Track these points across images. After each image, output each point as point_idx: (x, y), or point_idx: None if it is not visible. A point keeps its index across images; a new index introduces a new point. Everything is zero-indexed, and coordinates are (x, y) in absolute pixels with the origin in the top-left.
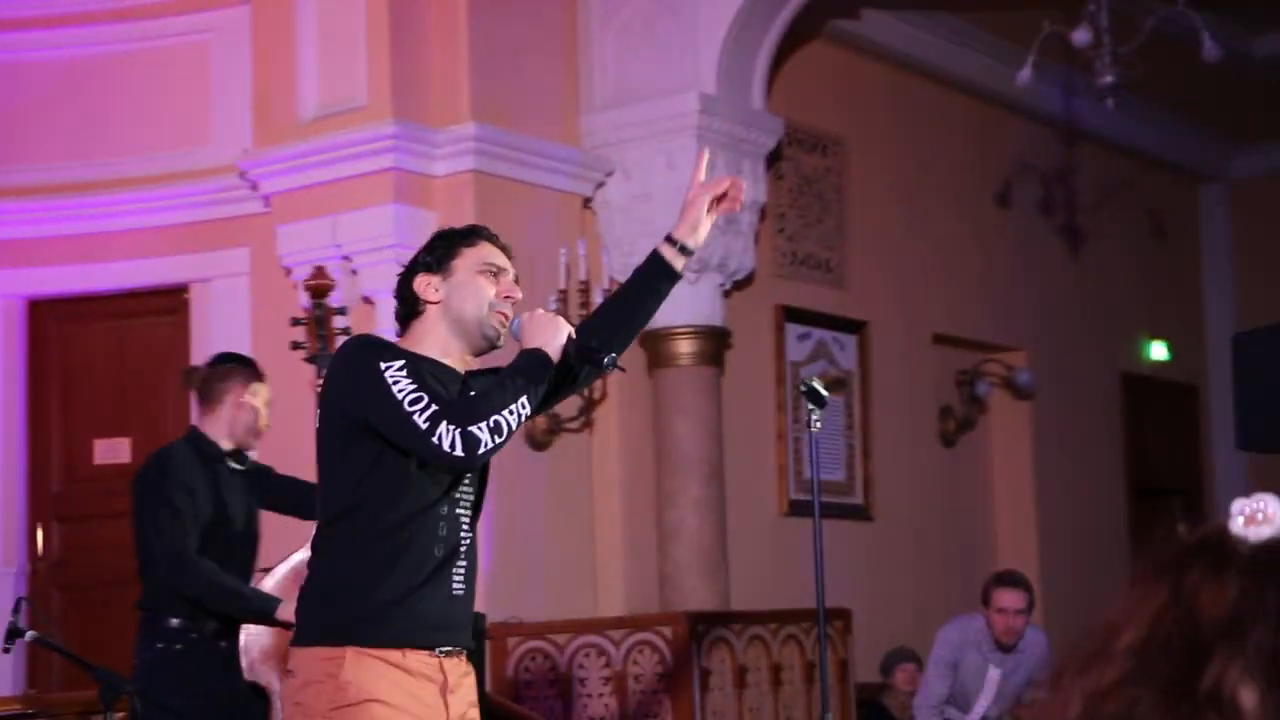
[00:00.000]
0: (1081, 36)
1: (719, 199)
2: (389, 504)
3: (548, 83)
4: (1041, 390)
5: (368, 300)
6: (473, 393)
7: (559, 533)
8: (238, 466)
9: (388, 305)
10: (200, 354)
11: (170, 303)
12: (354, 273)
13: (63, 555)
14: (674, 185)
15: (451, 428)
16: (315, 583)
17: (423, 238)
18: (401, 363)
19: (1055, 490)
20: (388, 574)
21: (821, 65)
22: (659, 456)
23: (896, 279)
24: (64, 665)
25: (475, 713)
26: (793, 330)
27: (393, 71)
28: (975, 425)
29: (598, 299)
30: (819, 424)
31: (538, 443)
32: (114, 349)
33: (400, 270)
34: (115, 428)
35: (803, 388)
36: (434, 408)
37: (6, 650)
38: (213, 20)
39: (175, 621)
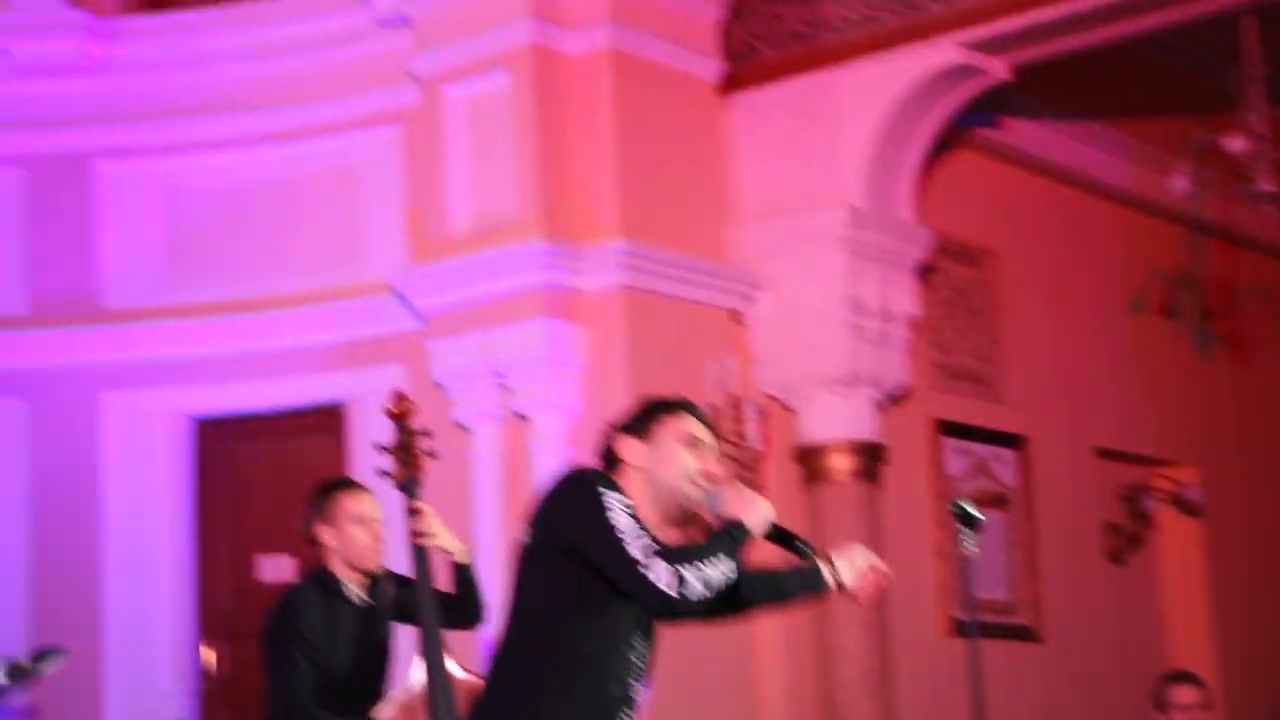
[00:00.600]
0: (1236, 144)
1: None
2: (583, 629)
3: (695, 196)
4: (1213, 505)
5: (521, 416)
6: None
7: (715, 653)
8: (354, 601)
9: (540, 420)
10: (358, 470)
11: (328, 420)
12: (506, 388)
13: (232, 673)
14: (823, 298)
15: (666, 567)
16: (496, 693)
17: (573, 353)
18: (626, 499)
19: (1233, 610)
20: (569, 704)
21: (970, 175)
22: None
23: (1055, 391)
24: None
25: None
26: (950, 444)
27: (542, 188)
28: (1145, 542)
29: (749, 414)
30: (973, 547)
31: None
32: (276, 466)
33: (561, 387)
34: (278, 545)
35: (954, 508)
36: (649, 543)
37: None
38: (365, 140)
39: None
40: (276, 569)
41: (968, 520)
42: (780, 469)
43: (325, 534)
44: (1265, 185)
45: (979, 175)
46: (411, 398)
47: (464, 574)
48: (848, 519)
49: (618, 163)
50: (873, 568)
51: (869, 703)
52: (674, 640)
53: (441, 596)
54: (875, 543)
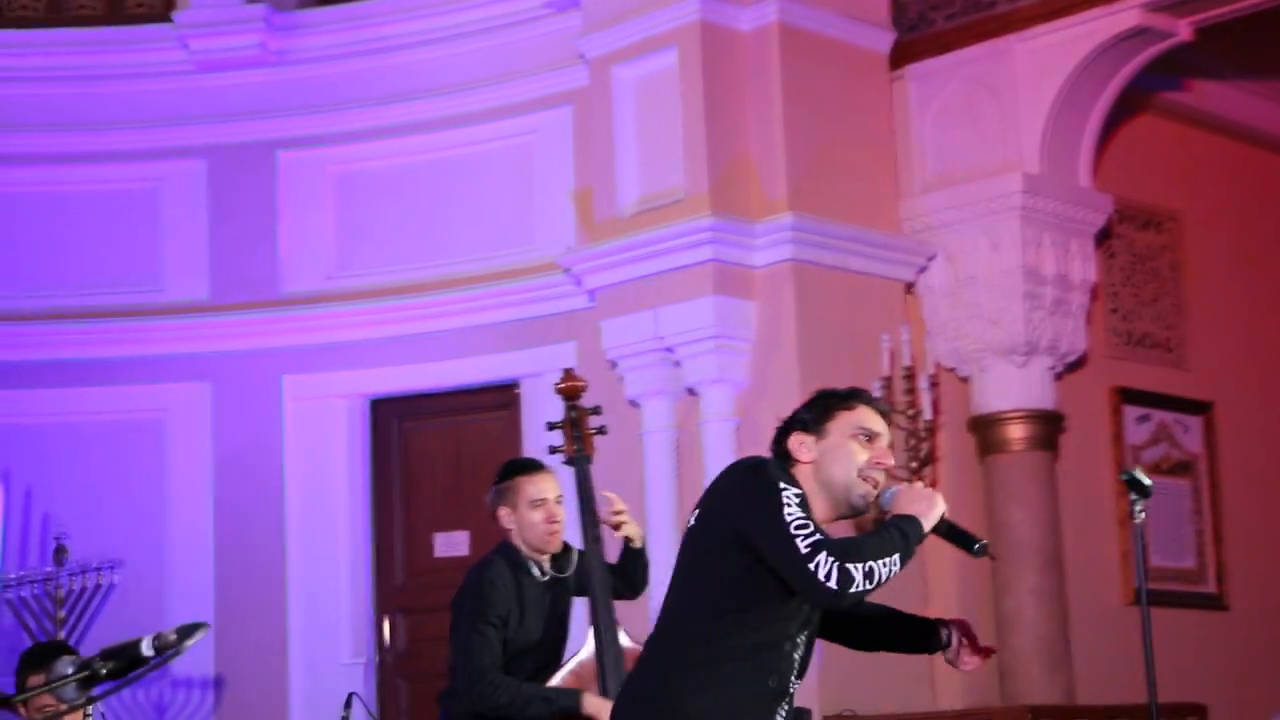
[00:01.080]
0: None
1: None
2: (743, 617)
3: (865, 168)
4: None
5: (691, 392)
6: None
7: None
8: (540, 576)
9: (711, 395)
10: (531, 449)
11: (502, 398)
12: (677, 364)
13: (408, 647)
14: (999, 268)
15: (831, 559)
16: (653, 678)
17: (744, 328)
18: (799, 491)
19: None
20: (728, 689)
21: (1151, 139)
22: (993, 544)
23: (1242, 356)
24: None
25: None
26: (1131, 413)
27: (710, 164)
28: None
29: (923, 384)
30: (1143, 514)
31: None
32: (450, 445)
33: (730, 362)
34: (453, 522)
35: (1124, 476)
36: (817, 537)
37: None
38: (535, 122)
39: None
40: (451, 545)
41: (1139, 488)
42: (955, 440)
43: (506, 517)
44: None
45: (1160, 138)
46: (582, 375)
47: (635, 555)
48: (1024, 489)
49: (787, 137)
50: (985, 647)
51: (1046, 674)
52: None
53: (610, 568)
54: (1053, 512)
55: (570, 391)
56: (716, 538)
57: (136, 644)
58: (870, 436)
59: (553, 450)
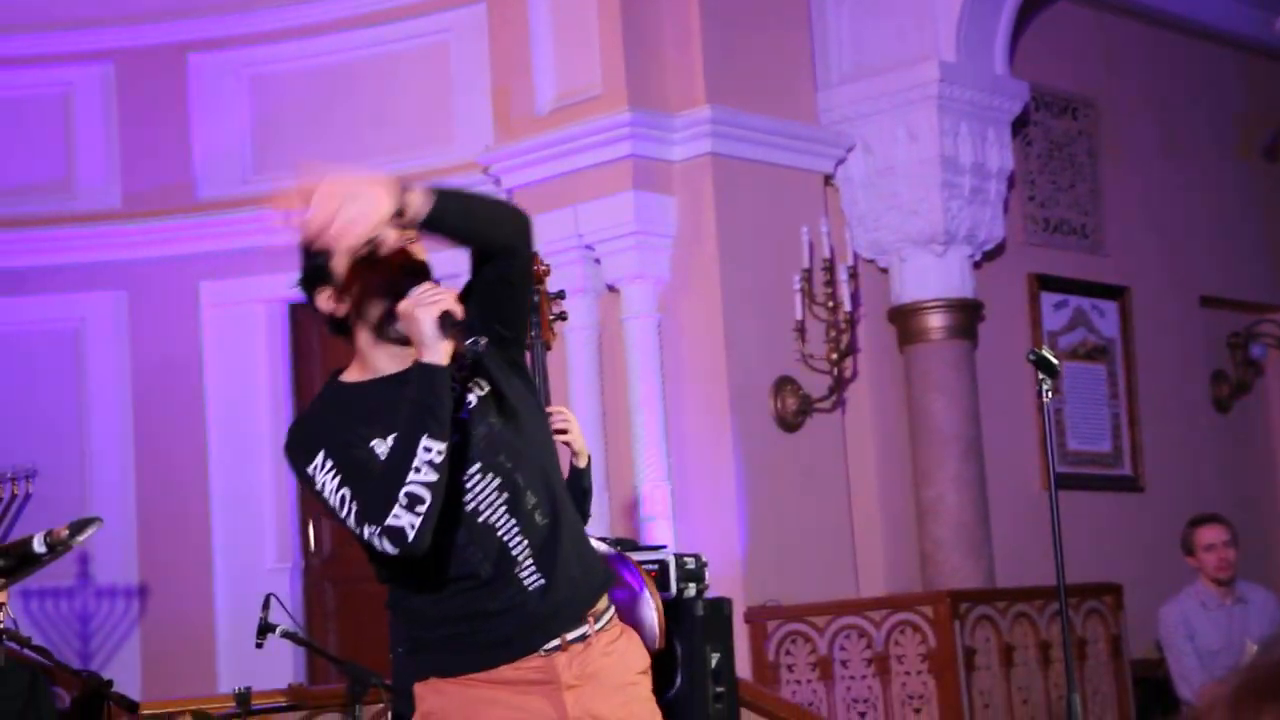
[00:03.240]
0: None
1: None
2: (409, 567)
3: (782, 60)
4: None
5: (612, 288)
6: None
7: (815, 514)
8: None
9: (631, 291)
10: None
11: None
12: (597, 261)
13: (333, 550)
14: (916, 158)
15: (373, 529)
16: (394, 637)
17: (664, 223)
18: (321, 454)
19: None
20: (441, 610)
21: (1067, 25)
22: (914, 434)
23: (1158, 241)
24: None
25: (638, 688)
26: (1048, 299)
27: (626, 59)
28: (1251, 389)
29: (842, 276)
30: (1050, 394)
31: (789, 424)
32: None
33: (651, 258)
34: None
35: (1031, 356)
36: (355, 509)
37: (258, 645)
38: (449, 20)
39: None
40: None
41: (1046, 367)
42: (875, 331)
43: None
44: None
45: (1078, 24)
46: (546, 261)
47: (576, 477)
48: (945, 378)
49: (703, 30)
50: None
51: (967, 560)
52: (768, 505)
53: None
54: (973, 400)
55: (534, 277)
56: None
57: (28, 541)
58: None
59: None
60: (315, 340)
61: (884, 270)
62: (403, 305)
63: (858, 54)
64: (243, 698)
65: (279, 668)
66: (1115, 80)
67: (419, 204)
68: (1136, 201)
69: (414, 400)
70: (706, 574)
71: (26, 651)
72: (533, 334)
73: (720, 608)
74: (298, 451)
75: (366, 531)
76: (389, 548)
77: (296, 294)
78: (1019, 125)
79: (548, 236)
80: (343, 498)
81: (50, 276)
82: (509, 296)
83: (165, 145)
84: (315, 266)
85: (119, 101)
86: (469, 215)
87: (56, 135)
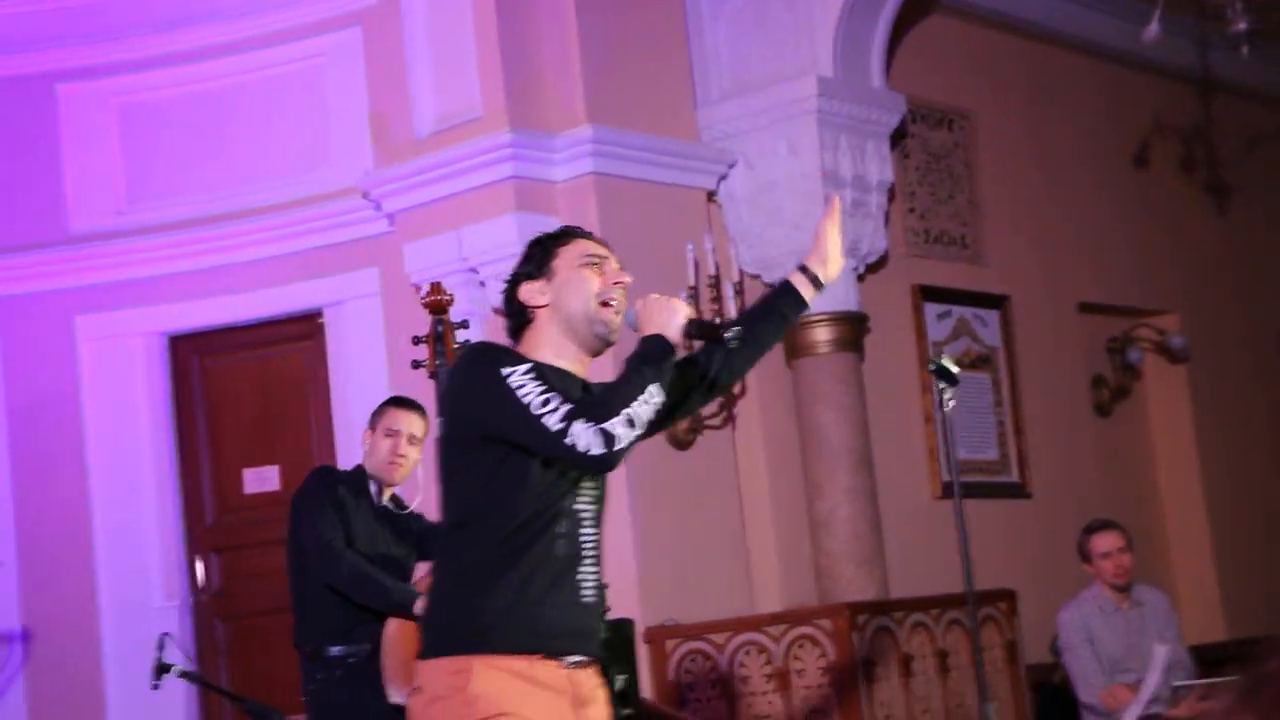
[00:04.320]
0: None
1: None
2: (510, 508)
3: (662, 78)
4: (1197, 352)
5: (499, 312)
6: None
7: (709, 531)
8: (388, 505)
9: None
10: (339, 378)
11: (306, 329)
12: (482, 284)
13: (223, 586)
14: (798, 172)
15: (586, 427)
16: (438, 594)
17: None
18: (526, 366)
19: (1218, 453)
20: (510, 579)
21: (941, 38)
22: (804, 447)
23: (1036, 250)
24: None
25: None
26: (931, 310)
27: (506, 80)
28: (1131, 393)
29: (728, 292)
30: (952, 403)
31: (680, 442)
32: (255, 378)
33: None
34: (263, 457)
35: (931, 366)
36: (565, 408)
37: (154, 687)
38: (324, 45)
39: (335, 650)
40: (261, 480)
41: (947, 377)
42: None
43: (365, 438)
44: (1240, 24)
45: (951, 38)
46: (447, 290)
47: None
48: (832, 390)
49: (582, 49)
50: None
51: (861, 571)
52: (668, 520)
53: None
54: (861, 413)
55: (436, 305)
56: (462, 440)
57: None
58: (598, 261)
59: (415, 365)
60: (195, 373)
61: (769, 285)
62: (655, 297)
63: (737, 70)
64: None
65: (171, 710)
66: (989, 92)
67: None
68: (1014, 211)
69: (654, 359)
70: (606, 596)
71: None
72: (437, 362)
73: (623, 629)
74: (499, 357)
75: (578, 426)
76: (594, 446)
77: (176, 325)
78: (897, 138)
79: (430, 261)
80: (546, 399)
81: None
82: (687, 401)
83: (35, 177)
84: (539, 264)
85: None
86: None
87: None
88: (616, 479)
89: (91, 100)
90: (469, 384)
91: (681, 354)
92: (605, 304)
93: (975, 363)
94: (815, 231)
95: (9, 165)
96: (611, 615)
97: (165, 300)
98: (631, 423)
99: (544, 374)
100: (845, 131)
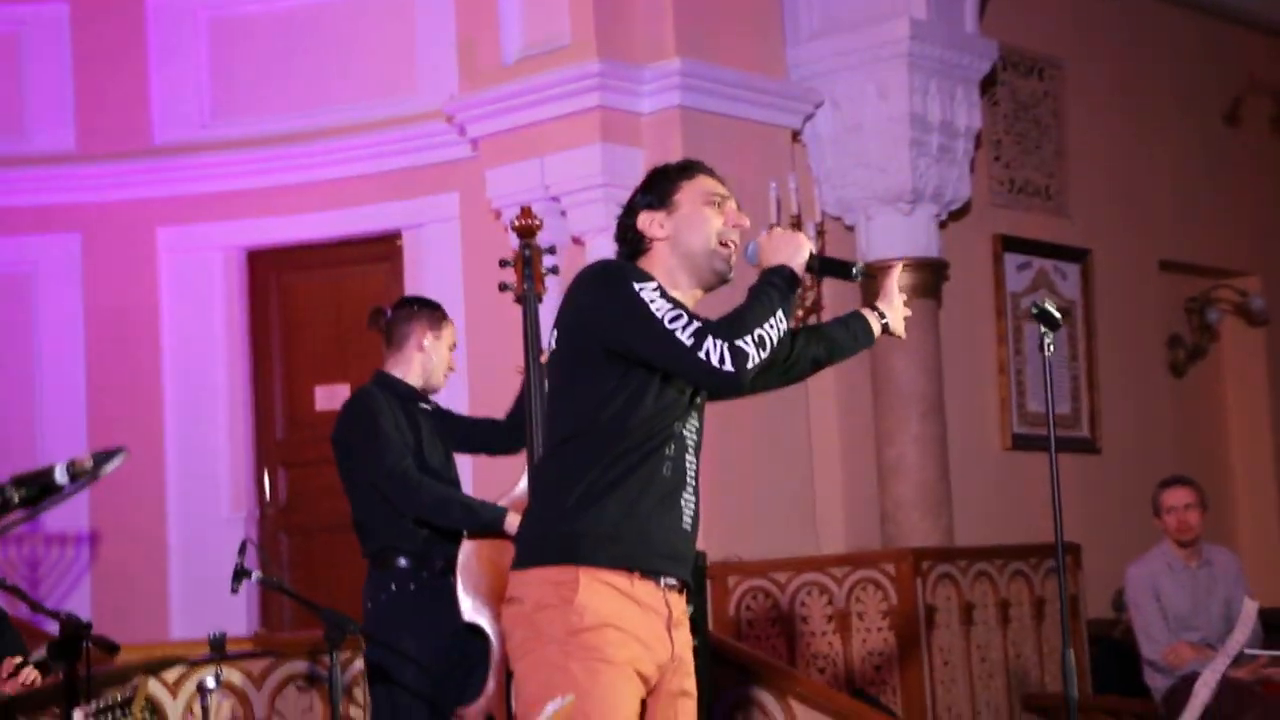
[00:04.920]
0: None
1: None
2: (626, 426)
3: (752, 14)
4: (1277, 316)
5: (577, 240)
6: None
7: (778, 472)
8: (426, 407)
9: (598, 244)
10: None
11: (384, 250)
12: (563, 213)
13: (289, 500)
14: (885, 116)
15: (719, 342)
16: (543, 504)
17: (631, 176)
18: (655, 284)
19: None
20: (619, 496)
21: None
22: (877, 392)
23: (1120, 205)
24: (294, 606)
25: (690, 655)
26: (1012, 260)
27: (596, 9)
28: (1207, 354)
29: (810, 232)
30: (1052, 347)
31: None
32: (330, 297)
33: (618, 211)
34: (335, 374)
35: (1034, 310)
36: (696, 324)
37: (234, 591)
38: None
39: (403, 563)
40: (332, 398)
41: (1049, 321)
42: (840, 287)
43: (425, 342)
44: None
45: None
46: (537, 214)
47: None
48: (908, 337)
49: None
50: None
51: (927, 518)
52: (737, 458)
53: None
54: (936, 360)
55: (526, 230)
56: (582, 355)
57: (50, 471)
58: (720, 201)
59: (503, 287)
60: (272, 289)
61: (850, 228)
62: (779, 230)
63: (829, 8)
64: (217, 643)
65: (234, 616)
66: (1081, 42)
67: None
68: (1100, 164)
69: (783, 290)
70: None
71: None
72: (525, 286)
73: (695, 561)
74: (630, 273)
75: (710, 342)
76: (727, 364)
77: (255, 240)
78: (987, 85)
79: (512, 188)
80: (677, 315)
81: (2, 219)
82: (764, 375)
83: (122, 88)
84: (661, 196)
85: (73, 42)
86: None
87: (9, 76)
88: None
89: (180, 13)
90: (598, 298)
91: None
92: (724, 244)
93: (1040, 315)
94: (884, 285)
95: (96, 75)
96: None
97: (245, 215)
98: (762, 343)
99: (669, 296)
100: (935, 76)
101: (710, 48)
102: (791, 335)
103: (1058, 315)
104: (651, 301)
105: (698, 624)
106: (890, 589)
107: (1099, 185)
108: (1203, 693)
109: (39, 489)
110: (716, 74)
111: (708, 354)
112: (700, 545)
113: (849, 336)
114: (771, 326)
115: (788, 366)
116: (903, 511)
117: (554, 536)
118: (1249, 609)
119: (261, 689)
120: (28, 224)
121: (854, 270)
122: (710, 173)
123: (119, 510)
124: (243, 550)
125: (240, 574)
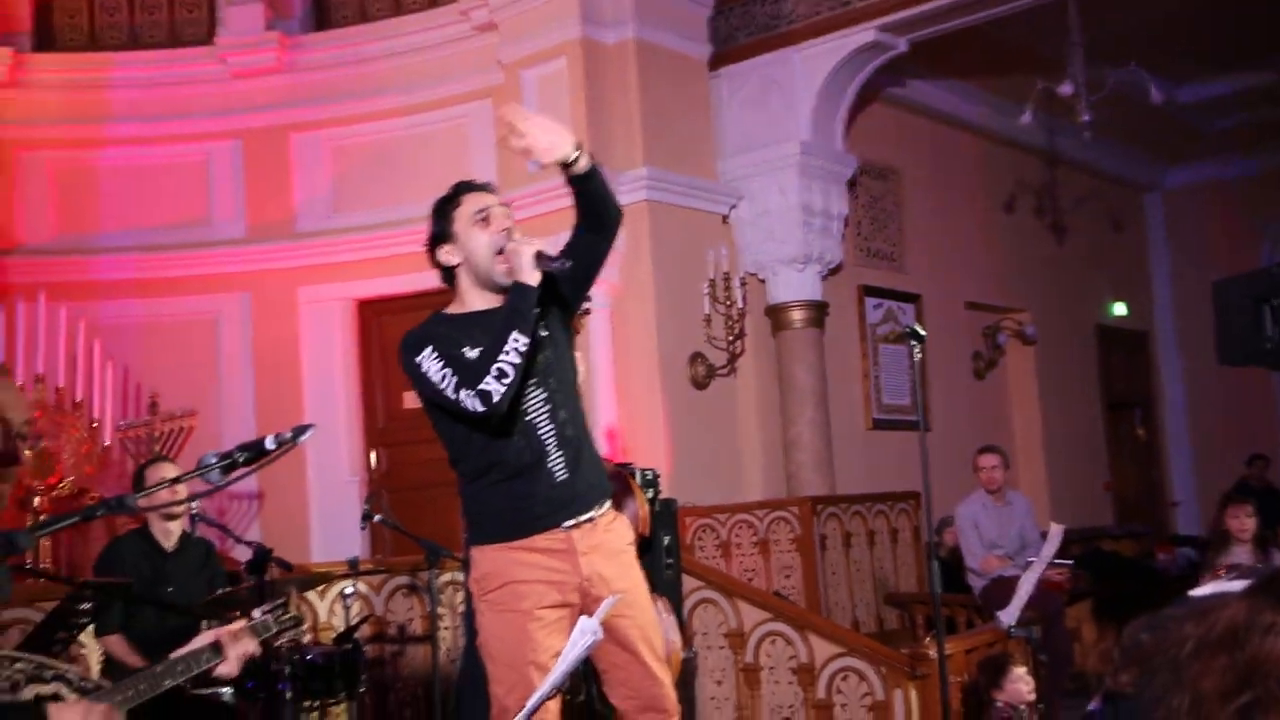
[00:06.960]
0: (1065, 89)
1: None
2: (476, 446)
3: (694, 137)
4: (1041, 338)
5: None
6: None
7: (717, 446)
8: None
9: (593, 292)
10: None
11: (449, 298)
12: None
13: (388, 469)
14: (785, 206)
15: (468, 393)
16: (464, 514)
17: (610, 255)
18: (429, 348)
19: (1054, 407)
20: (491, 488)
21: (881, 119)
22: (783, 391)
23: (939, 264)
24: (394, 538)
25: (628, 555)
26: (870, 302)
27: (589, 131)
28: (997, 364)
29: (736, 285)
30: (920, 355)
31: (699, 385)
32: None
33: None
34: None
35: (906, 330)
36: (455, 379)
37: (363, 528)
38: (467, 111)
39: None
40: (414, 400)
41: (916, 337)
42: (757, 322)
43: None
44: (1085, 117)
45: (888, 119)
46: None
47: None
48: (804, 354)
49: (642, 116)
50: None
51: (818, 477)
52: (689, 440)
53: None
54: (822, 369)
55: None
56: (425, 405)
57: (262, 441)
58: (484, 215)
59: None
60: (374, 328)
61: (763, 281)
62: (510, 245)
63: (744, 134)
64: (353, 564)
65: (354, 546)
66: (911, 157)
67: (584, 162)
68: (926, 238)
69: (511, 306)
70: (660, 483)
71: (210, 527)
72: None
73: (670, 505)
74: (411, 348)
75: (463, 394)
76: (478, 406)
77: (363, 294)
78: (851, 184)
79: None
80: (445, 375)
81: (196, 283)
82: (593, 262)
83: (275, 193)
84: (442, 230)
85: (245, 164)
86: (605, 189)
87: (201, 186)
88: (658, 409)
89: (313, 142)
90: (404, 370)
91: (534, 281)
92: (499, 252)
93: (898, 339)
94: (529, 142)
95: (258, 185)
96: (662, 496)
97: (357, 278)
98: (502, 374)
99: (450, 341)
100: (817, 178)
101: (666, 159)
102: (576, 235)
103: (923, 332)
104: (428, 369)
105: (672, 549)
106: (795, 523)
107: (925, 251)
108: (1024, 588)
109: (255, 453)
110: (671, 178)
111: (464, 402)
112: (670, 495)
113: (584, 198)
114: (509, 353)
115: (593, 244)
116: (803, 472)
117: (469, 532)
118: (1056, 530)
119: (380, 594)
120: (214, 286)
121: (563, 265)
122: (474, 188)
123: (277, 477)
124: (371, 499)
125: (368, 515)
